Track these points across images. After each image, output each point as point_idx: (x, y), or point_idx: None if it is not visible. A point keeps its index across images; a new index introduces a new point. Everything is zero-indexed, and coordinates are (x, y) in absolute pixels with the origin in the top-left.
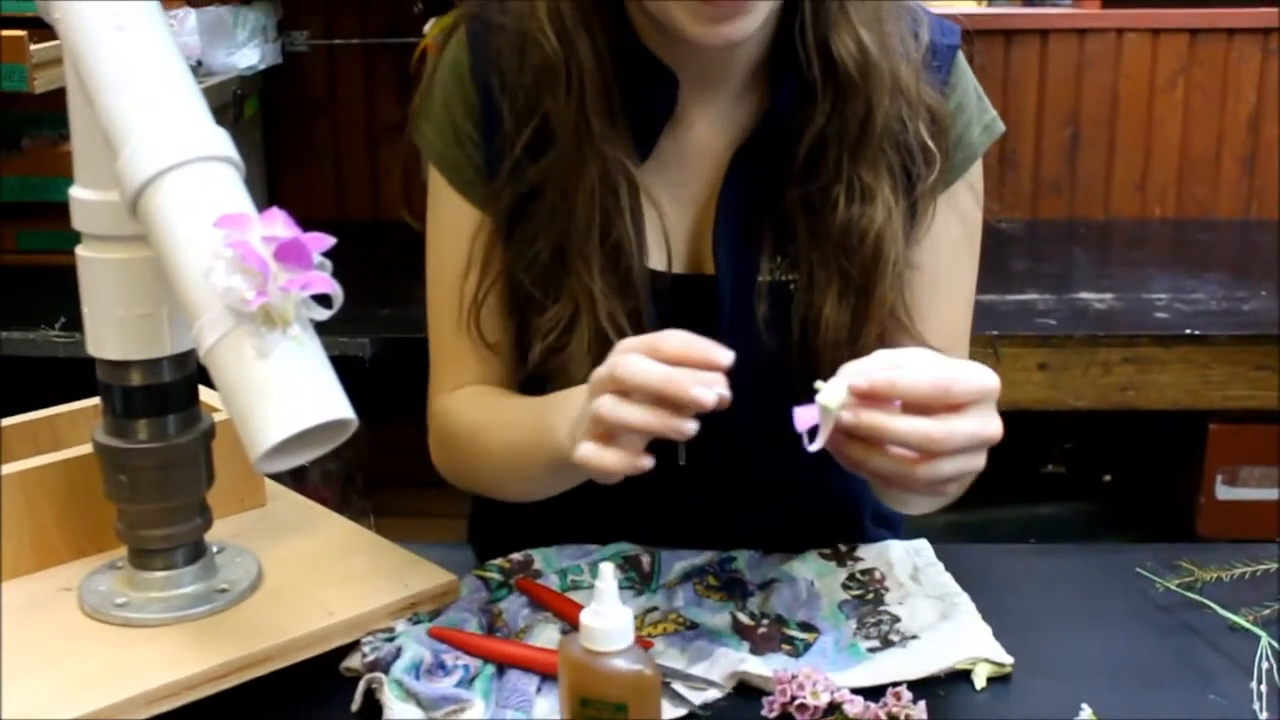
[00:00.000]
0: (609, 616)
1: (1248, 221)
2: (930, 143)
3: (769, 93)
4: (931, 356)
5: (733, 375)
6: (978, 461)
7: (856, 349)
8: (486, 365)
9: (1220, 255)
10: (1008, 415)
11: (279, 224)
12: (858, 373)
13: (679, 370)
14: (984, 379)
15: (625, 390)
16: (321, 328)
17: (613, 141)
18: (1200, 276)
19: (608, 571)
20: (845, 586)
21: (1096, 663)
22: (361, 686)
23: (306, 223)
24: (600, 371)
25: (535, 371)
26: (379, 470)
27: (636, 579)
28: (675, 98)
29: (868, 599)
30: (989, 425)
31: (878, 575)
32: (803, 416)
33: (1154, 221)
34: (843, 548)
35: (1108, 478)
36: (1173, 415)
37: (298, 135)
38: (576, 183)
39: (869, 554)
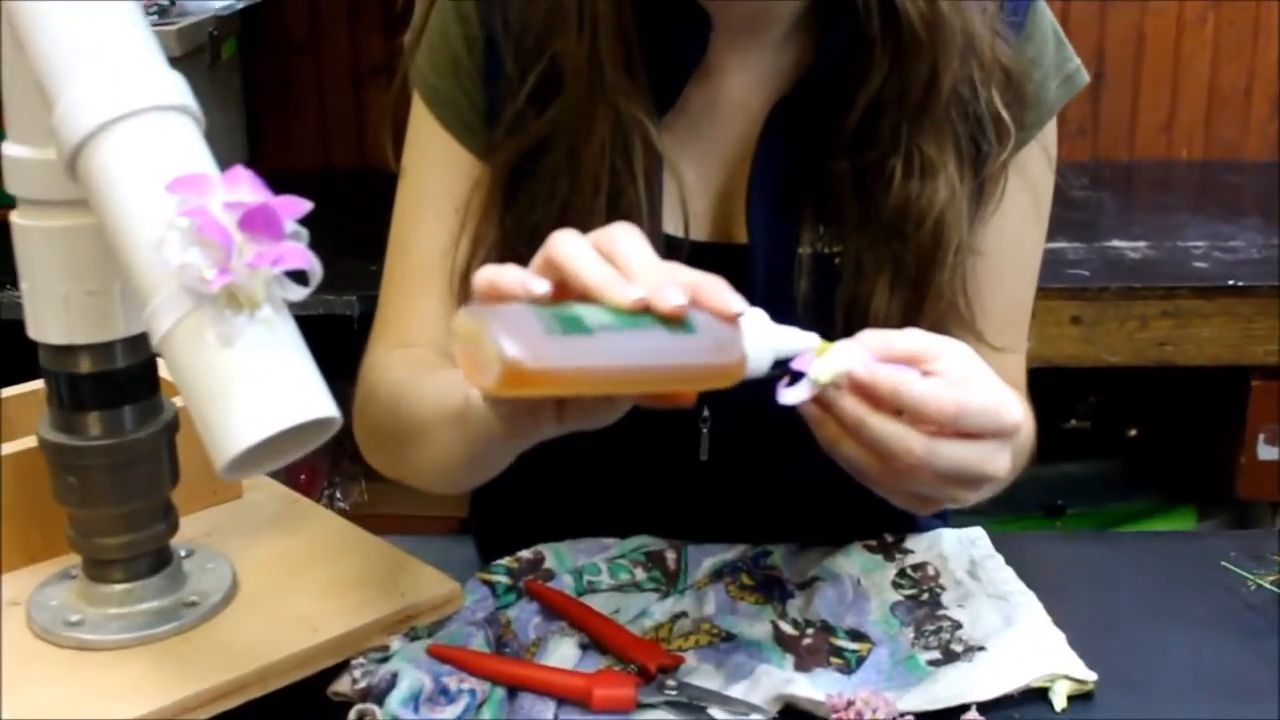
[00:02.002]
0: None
1: (1278, 164)
2: (1004, 113)
3: (816, 41)
4: (965, 358)
5: None
6: (964, 495)
7: None
8: (446, 329)
9: (1254, 199)
10: (1037, 372)
11: (244, 186)
12: (864, 361)
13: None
14: (1003, 417)
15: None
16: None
17: (628, 94)
18: (1237, 222)
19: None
20: (896, 585)
21: (1186, 676)
22: (353, 718)
23: (289, 174)
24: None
25: None
26: None
27: (661, 579)
28: (706, 43)
29: (923, 600)
30: (988, 462)
31: (931, 571)
32: (788, 392)
33: (1180, 163)
34: (889, 538)
35: (1133, 432)
36: (1211, 371)
37: (279, 79)
38: (584, 140)
39: (919, 545)
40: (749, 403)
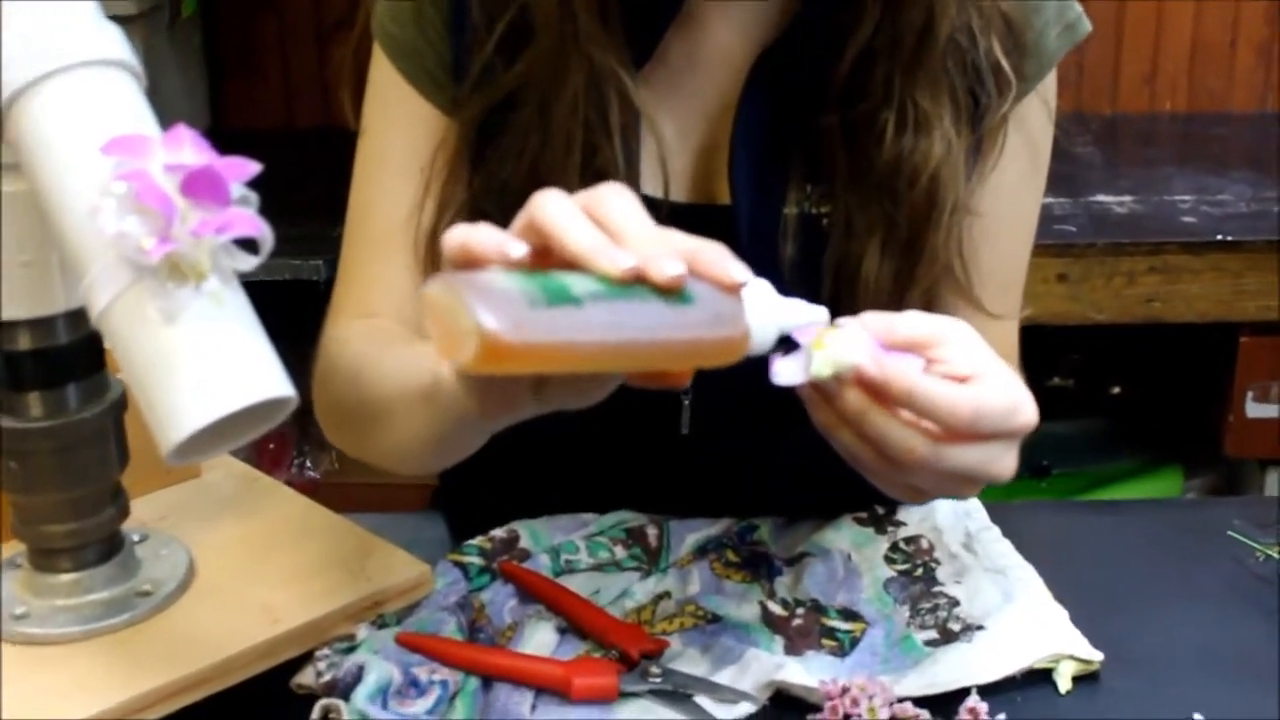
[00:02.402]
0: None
1: (1265, 115)
2: (1004, 62)
3: None
4: (973, 346)
5: None
6: (965, 492)
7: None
8: (412, 299)
9: (1240, 152)
10: (1022, 330)
11: (187, 147)
12: (873, 354)
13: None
14: (1017, 418)
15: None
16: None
17: (604, 45)
18: (1224, 175)
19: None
20: (889, 559)
21: (1196, 654)
22: (317, 714)
23: (252, 134)
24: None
25: None
26: None
27: (643, 557)
28: None
29: (917, 575)
30: (996, 463)
31: (925, 545)
32: (783, 369)
33: (1164, 116)
34: (880, 510)
35: (1116, 390)
36: (1199, 328)
37: (240, 37)
38: (556, 93)
39: (912, 518)
40: (733, 373)
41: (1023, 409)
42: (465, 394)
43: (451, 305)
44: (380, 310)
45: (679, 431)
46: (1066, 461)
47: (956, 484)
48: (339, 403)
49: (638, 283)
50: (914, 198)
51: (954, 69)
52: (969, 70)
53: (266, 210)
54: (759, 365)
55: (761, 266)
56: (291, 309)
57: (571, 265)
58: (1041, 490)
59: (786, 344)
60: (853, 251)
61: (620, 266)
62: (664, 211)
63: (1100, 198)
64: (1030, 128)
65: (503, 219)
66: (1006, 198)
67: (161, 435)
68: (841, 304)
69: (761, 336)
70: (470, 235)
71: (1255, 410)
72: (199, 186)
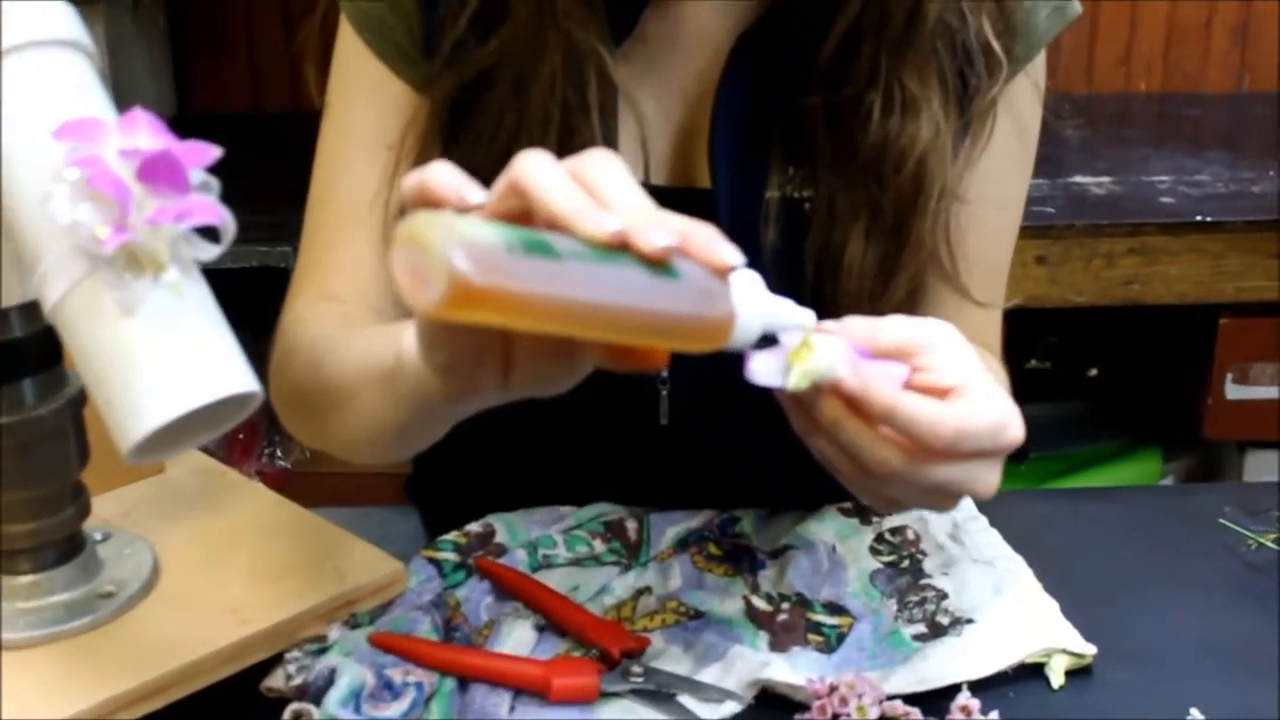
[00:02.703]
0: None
1: (1240, 95)
2: (995, 44)
3: None
4: (959, 354)
5: None
6: (944, 504)
7: (881, 304)
8: (381, 277)
9: (1216, 132)
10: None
11: (143, 131)
12: (853, 365)
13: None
14: (1004, 436)
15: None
16: (238, 236)
17: (583, 21)
18: (1200, 156)
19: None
20: (874, 551)
21: (1190, 647)
22: (287, 718)
23: (219, 118)
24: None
25: None
26: None
27: (622, 551)
28: None
29: (903, 567)
30: (977, 481)
31: (911, 535)
32: (760, 367)
33: (1139, 96)
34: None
35: (1093, 372)
36: (1176, 309)
37: (206, 18)
38: (533, 71)
39: None
40: (712, 363)
41: (1008, 427)
42: (428, 375)
43: (423, 243)
44: (343, 294)
45: (658, 422)
46: (1045, 444)
47: (934, 498)
48: (298, 387)
49: (623, 250)
50: (900, 183)
51: (943, 50)
52: (958, 51)
53: (233, 195)
54: (739, 357)
55: (742, 252)
56: (259, 297)
57: (553, 228)
58: (1020, 473)
59: (766, 342)
60: (836, 237)
61: (605, 229)
62: None
63: (1078, 179)
64: (1020, 111)
65: None
66: (995, 182)
67: (120, 434)
68: (824, 291)
69: (745, 330)
70: (429, 175)
71: (1235, 392)
72: (156, 172)
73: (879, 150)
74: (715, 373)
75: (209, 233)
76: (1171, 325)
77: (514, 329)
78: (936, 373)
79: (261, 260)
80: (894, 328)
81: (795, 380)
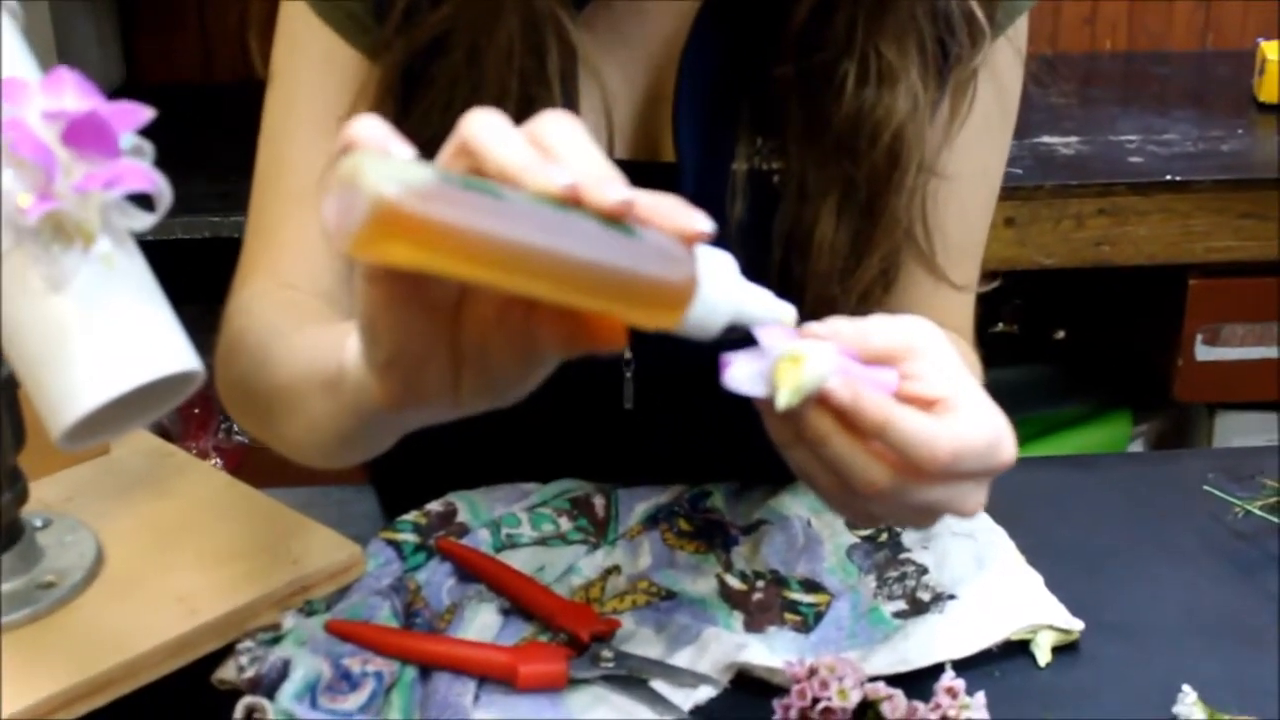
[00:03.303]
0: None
1: (1205, 54)
2: (978, 10)
3: None
4: (948, 360)
5: None
6: (926, 523)
7: (851, 284)
8: (336, 258)
9: (1183, 91)
10: None
11: (68, 92)
12: (844, 375)
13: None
14: (999, 455)
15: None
16: (189, 206)
17: None
18: (1168, 115)
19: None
20: (850, 525)
21: (1179, 619)
22: (239, 714)
23: (170, 89)
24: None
25: None
26: None
27: (590, 528)
28: None
29: (881, 541)
30: (964, 502)
31: None
32: (740, 373)
33: (1104, 56)
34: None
35: (1060, 335)
36: (1146, 271)
37: None
38: (489, 38)
39: None
40: (676, 345)
41: (1003, 446)
42: (372, 381)
43: (352, 174)
44: (293, 278)
45: (622, 406)
46: (1014, 408)
47: (917, 517)
48: (242, 383)
49: (575, 206)
50: (874, 157)
51: (923, 17)
52: (939, 18)
53: (185, 166)
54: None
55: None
56: (211, 268)
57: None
58: None
59: (737, 342)
60: (806, 214)
61: (555, 182)
62: None
63: (1045, 139)
64: (999, 72)
65: None
66: (974, 156)
67: (51, 418)
68: (792, 270)
69: (711, 312)
70: (355, 128)
71: (1205, 353)
72: (83, 135)
73: (853, 122)
74: (680, 355)
75: (143, 201)
76: (1140, 287)
77: (447, 275)
78: (924, 381)
79: (214, 231)
80: (883, 332)
81: (786, 398)
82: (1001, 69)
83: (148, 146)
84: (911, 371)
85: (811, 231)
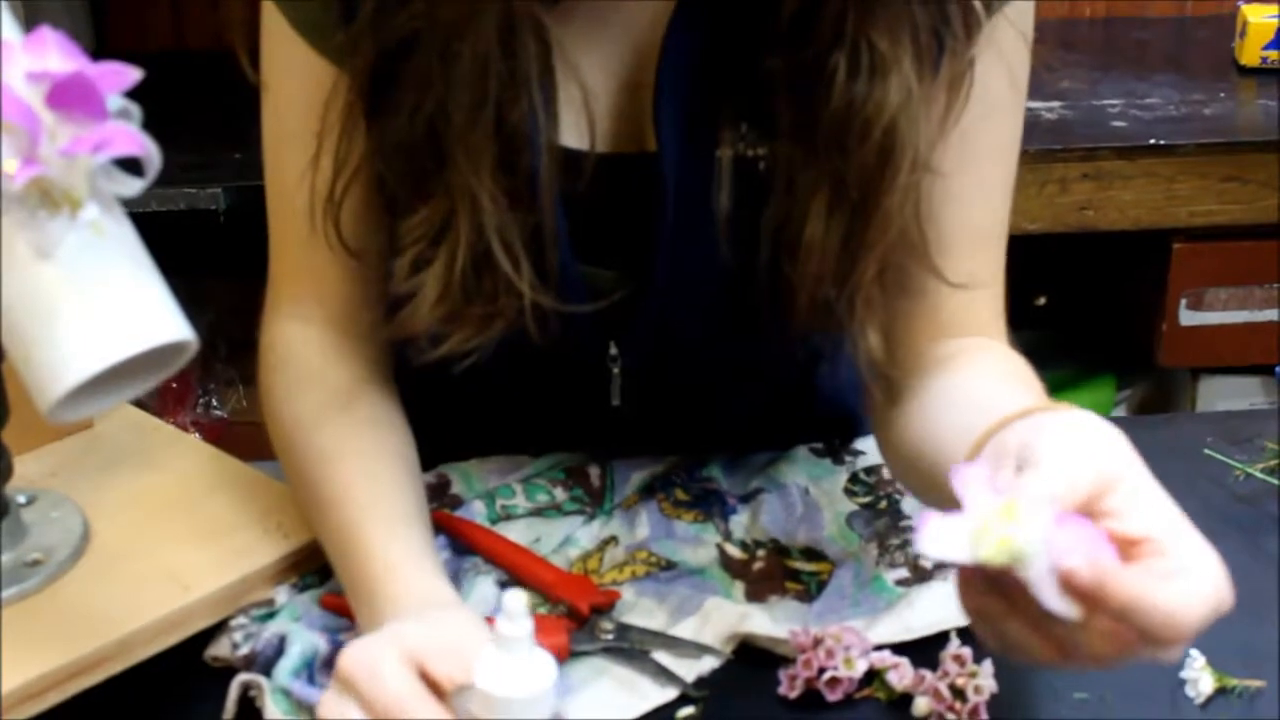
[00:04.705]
0: (515, 677)
1: (1185, 20)
2: None
3: None
4: (1137, 479)
5: (682, 291)
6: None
7: (847, 286)
8: (344, 282)
9: (1163, 55)
10: None
11: (52, 53)
12: (1086, 550)
13: None
14: (1223, 607)
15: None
16: (164, 178)
17: None
18: (1149, 80)
19: (515, 603)
20: (849, 492)
21: None
22: (234, 693)
23: (140, 56)
24: (357, 666)
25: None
26: (245, 334)
27: (585, 498)
28: None
29: (881, 508)
30: (1156, 656)
31: (886, 474)
32: (941, 537)
33: (1083, 22)
34: (837, 441)
35: (1041, 301)
36: (1129, 235)
37: None
38: (461, 36)
39: (870, 446)
40: (664, 339)
41: (1227, 593)
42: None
43: None
44: (312, 311)
45: (610, 403)
46: None
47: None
48: (274, 439)
49: None
50: (865, 153)
51: (917, 5)
52: (933, 6)
53: (159, 137)
54: (689, 334)
55: (691, 214)
56: (189, 241)
57: None
58: None
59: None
60: (795, 213)
61: None
62: (590, 164)
63: (1029, 104)
64: (1004, 50)
65: (404, 184)
66: (977, 136)
67: (39, 390)
68: (782, 271)
69: None
70: None
71: (1189, 318)
72: (69, 97)
73: (843, 117)
74: (668, 352)
75: (131, 165)
76: (1123, 251)
77: None
78: (1122, 519)
79: (190, 203)
80: (1085, 471)
81: (988, 552)
82: (1002, 41)
83: (135, 109)
84: (1107, 508)
85: (801, 231)
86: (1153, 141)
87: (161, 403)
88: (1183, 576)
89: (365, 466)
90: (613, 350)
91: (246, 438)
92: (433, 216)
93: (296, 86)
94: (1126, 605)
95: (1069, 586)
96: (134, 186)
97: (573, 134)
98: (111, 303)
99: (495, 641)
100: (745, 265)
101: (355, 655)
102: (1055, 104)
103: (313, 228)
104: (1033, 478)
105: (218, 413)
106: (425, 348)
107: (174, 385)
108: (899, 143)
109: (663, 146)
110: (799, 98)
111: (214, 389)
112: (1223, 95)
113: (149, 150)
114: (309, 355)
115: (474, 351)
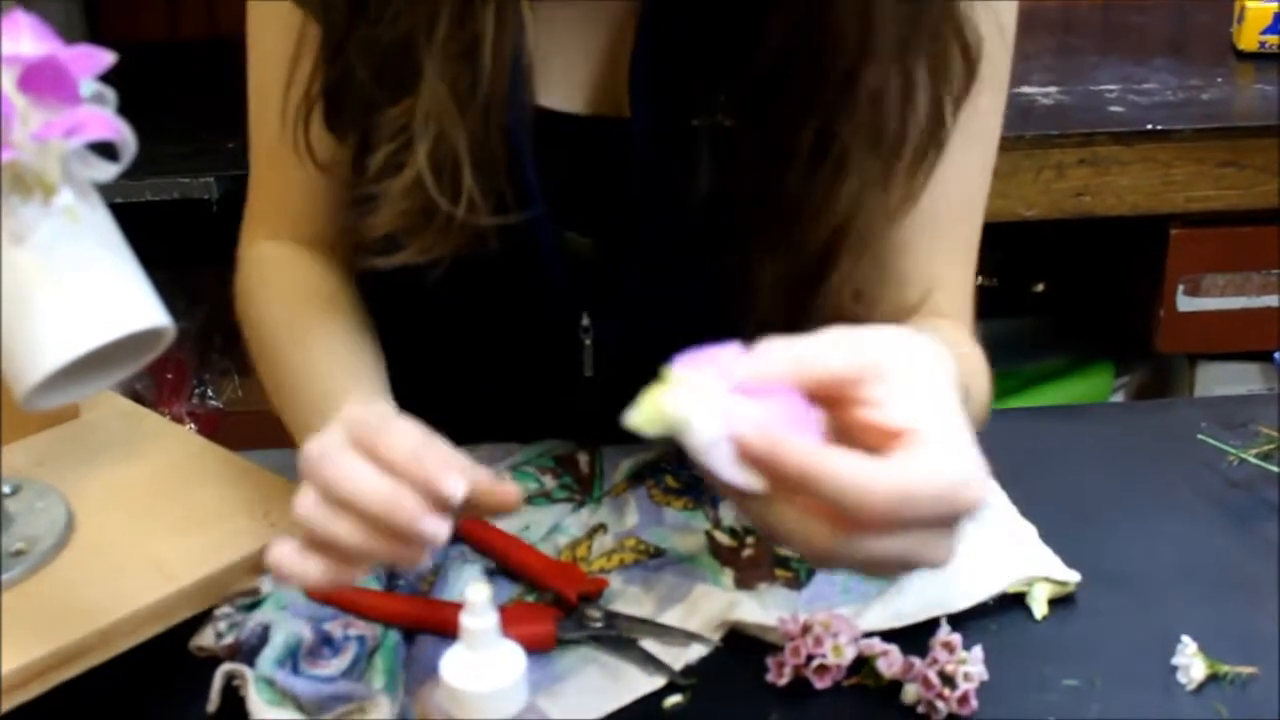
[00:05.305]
0: (486, 670)
1: (1183, 2)
2: (948, 112)
3: None
4: (918, 378)
5: (655, 260)
6: (893, 574)
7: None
8: (315, 202)
9: (1160, 40)
10: None
11: (25, 36)
12: (756, 419)
13: (404, 492)
14: (961, 498)
15: (335, 500)
16: (157, 167)
17: None
18: (1146, 64)
19: (478, 596)
20: None
21: (1174, 570)
22: (218, 682)
23: (134, 46)
24: (309, 456)
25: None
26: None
27: (574, 486)
28: None
29: None
30: (926, 553)
31: None
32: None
33: (1081, 6)
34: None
35: (1039, 288)
36: (1126, 221)
37: None
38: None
39: None
40: (635, 309)
41: (966, 488)
42: None
43: None
44: (282, 230)
45: (582, 374)
46: (995, 362)
47: (879, 569)
48: (253, 349)
49: None
50: (817, 229)
51: (891, 104)
52: (906, 108)
53: (152, 126)
54: (662, 306)
55: (662, 181)
56: (182, 230)
57: None
58: None
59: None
60: (772, 175)
61: None
62: (574, 126)
63: (1024, 89)
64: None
65: (374, 75)
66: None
67: (14, 378)
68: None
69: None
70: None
71: (1186, 304)
72: (40, 81)
73: (798, 197)
74: (639, 323)
75: (106, 150)
76: (1121, 237)
77: None
78: (882, 409)
79: (184, 192)
80: (835, 352)
81: (638, 419)
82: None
83: (109, 93)
84: (869, 396)
85: (748, 277)
86: (1150, 127)
87: (157, 393)
88: (903, 451)
89: (328, 332)
90: (585, 321)
91: (241, 426)
92: (404, 117)
93: (278, 31)
94: (802, 472)
95: (745, 457)
96: (109, 171)
97: (556, 94)
98: (86, 289)
99: (462, 637)
100: (721, 236)
101: (307, 448)
102: (1052, 89)
103: (284, 141)
104: (770, 351)
105: (213, 403)
106: (382, 252)
107: (169, 375)
108: (851, 239)
109: (636, 112)
110: (765, 136)
111: (210, 379)
112: (1220, 80)
113: (124, 135)
114: (282, 261)
115: (435, 265)
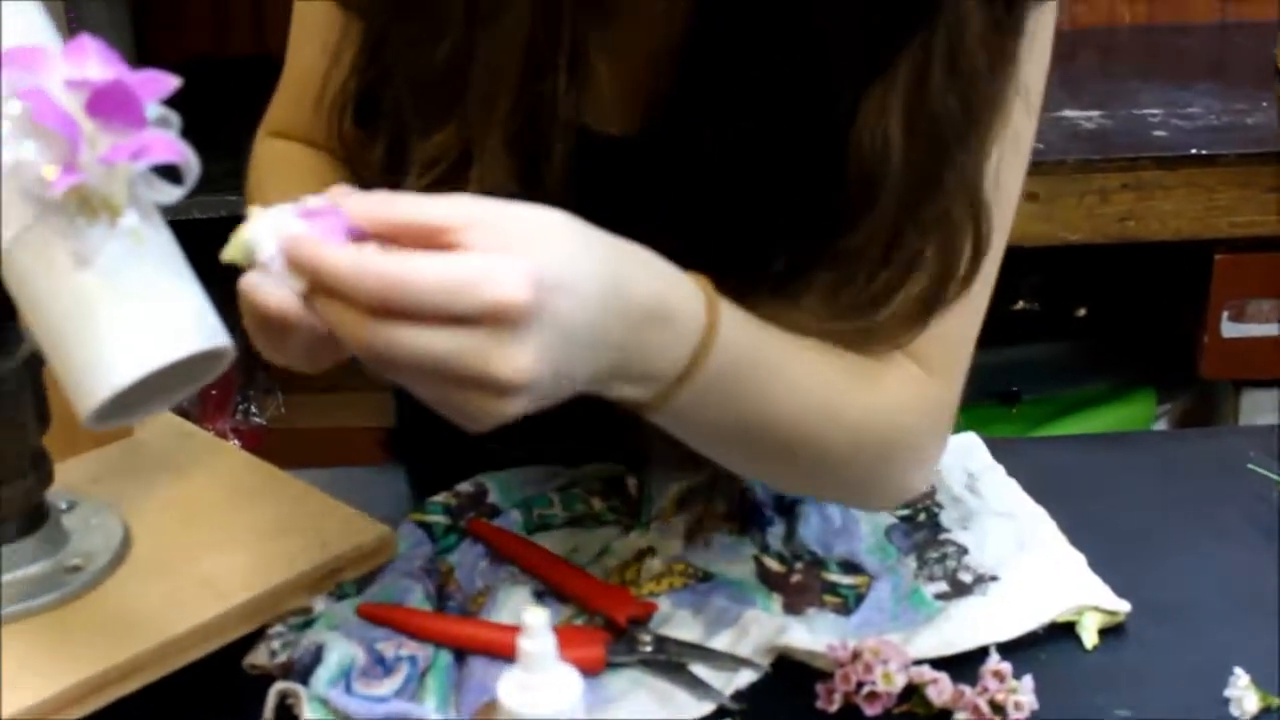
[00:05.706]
0: (543, 694)
1: (1226, 24)
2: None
3: None
4: (512, 227)
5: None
6: (493, 407)
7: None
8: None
9: (1204, 64)
10: None
11: (92, 60)
12: (298, 230)
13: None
14: (482, 291)
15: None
16: (204, 185)
17: None
18: (1190, 88)
19: (536, 620)
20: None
21: (1225, 600)
22: (272, 700)
23: (182, 64)
24: None
25: None
26: None
27: (622, 509)
28: None
29: (920, 521)
30: (480, 357)
31: (926, 487)
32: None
33: (1123, 29)
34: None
35: (1082, 312)
36: (1170, 246)
37: None
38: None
39: None
40: None
41: (487, 281)
42: None
43: None
44: (287, 129)
45: None
46: (1036, 387)
47: (428, 383)
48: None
49: None
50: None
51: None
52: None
53: (199, 143)
54: None
55: (694, 209)
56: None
57: None
58: (1011, 418)
59: None
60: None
61: None
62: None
63: (1067, 113)
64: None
65: (415, 91)
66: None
67: (78, 397)
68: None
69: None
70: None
71: (1231, 330)
72: (108, 105)
73: (865, 288)
74: None
75: (170, 173)
76: (1164, 262)
77: None
78: (469, 247)
79: (231, 210)
80: (423, 202)
81: (227, 254)
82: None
83: (174, 117)
84: (461, 240)
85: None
86: (1194, 151)
87: (201, 409)
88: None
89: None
90: None
91: (283, 444)
92: (447, 142)
93: (320, 24)
94: (306, 260)
95: (291, 263)
96: (173, 194)
97: (591, 113)
98: (150, 310)
99: (519, 660)
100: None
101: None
102: (1095, 113)
103: (318, 111)
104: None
105: (257, 420)
106: None
107: (214, 392)
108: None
109: (668, 129)
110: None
111: (253, 396)
112: (1265, 104)
113: (187, 158)
114: (291, 148)
115: None
